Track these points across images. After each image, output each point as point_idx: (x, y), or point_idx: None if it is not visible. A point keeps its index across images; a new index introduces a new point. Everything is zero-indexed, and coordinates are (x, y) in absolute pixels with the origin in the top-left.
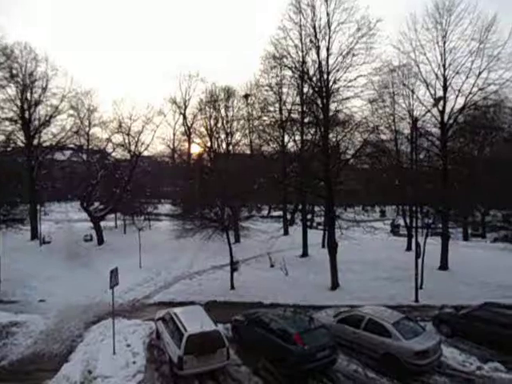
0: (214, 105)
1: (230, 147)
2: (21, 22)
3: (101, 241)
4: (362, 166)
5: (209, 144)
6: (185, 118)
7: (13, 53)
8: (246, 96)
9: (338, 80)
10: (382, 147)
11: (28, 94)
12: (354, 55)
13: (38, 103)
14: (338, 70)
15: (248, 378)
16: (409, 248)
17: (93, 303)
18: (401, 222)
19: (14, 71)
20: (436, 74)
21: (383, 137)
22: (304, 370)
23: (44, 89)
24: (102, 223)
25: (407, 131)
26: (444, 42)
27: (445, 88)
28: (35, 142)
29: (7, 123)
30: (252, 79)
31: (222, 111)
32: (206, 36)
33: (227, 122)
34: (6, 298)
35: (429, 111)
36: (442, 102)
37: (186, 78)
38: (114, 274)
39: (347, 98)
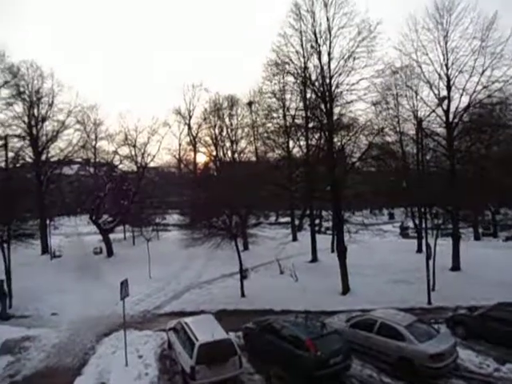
0: (218, 114)
1: (236, 155)
2: (22, 38)
3: (110, 253)
4: (369, 169)
5: (214, 153)
6: (190, 128)
7: (19, 71)
8: (250, 103)
9: (341, 84)
10: (387, 149)
11: (35, 111)
12: (355, 59)
13: (44, 119)
14: (340, 74)
15: None
16: (419, 250)
17: (104, 315)
18: (410, 224)
19: (21, 89)
20: (439, 74)
21: (388, 139)
22: (317, 376)
23: (50, 105)
24: (111, 235)
25: (412, 132)
26: (446, 42)
27: (448, 87)
28: (43, 157)
29: (15, 140)
30: (255, 87)
31: (227, 120)
32: (208, 46)
33: (232, 130)
34: (18, 313)
35: (433, 111)
36: (446, 102)
37: (189, 88)
38: (124, 285)
39: (350, 102)
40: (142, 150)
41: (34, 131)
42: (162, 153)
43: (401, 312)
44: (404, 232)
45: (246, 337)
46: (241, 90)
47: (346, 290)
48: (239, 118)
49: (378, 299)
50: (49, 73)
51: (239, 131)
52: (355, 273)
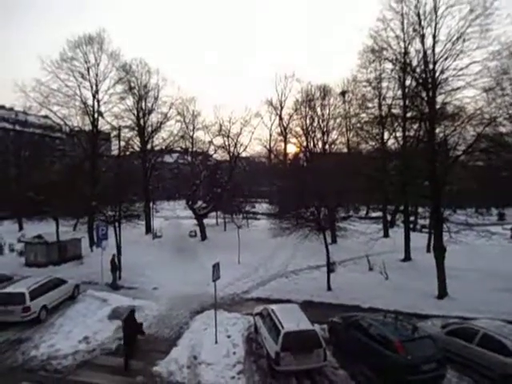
0: (310, 104)
1: (327, 146)
2: (131, 32)
3: (204, 237)
4: (476, 163)
5: (305, 143)
6: (281, 118)
7: (131, 68)
8: (343, 93)
9: (446, 69)
10: (500, 141)
11: (143, 104)
12: (465, 40)
13: (150, 111)
14: (446, 59)
15: (345, 382)
16: None
17: (197, 294)
18: None
19: (132, 84)
20: None
21: (502, 129)
22: (409, 381)
23: (156, 98)
24: (205, 220)
25: None
26: None
27: None
28: (148, 146)
29: (126, 130)
30: (348, 75)
31: (318, 110)
32: (301, 36)
33: (323, 120)
34: (126, 285)
35: None
36: None
37: (281, 79)
38: (216, 268)
39: (457, 89)
40: (235, 140)
41: (142, 122)
42: (254, 143)
43: (508, 325)
44: None
45: (331, 330)
46: (333, 80)
47: (442, 293)
48: (331, 109)
49: (481, 308)
50: (155, 69)
51: (331, 122)
52: (455, 276)
